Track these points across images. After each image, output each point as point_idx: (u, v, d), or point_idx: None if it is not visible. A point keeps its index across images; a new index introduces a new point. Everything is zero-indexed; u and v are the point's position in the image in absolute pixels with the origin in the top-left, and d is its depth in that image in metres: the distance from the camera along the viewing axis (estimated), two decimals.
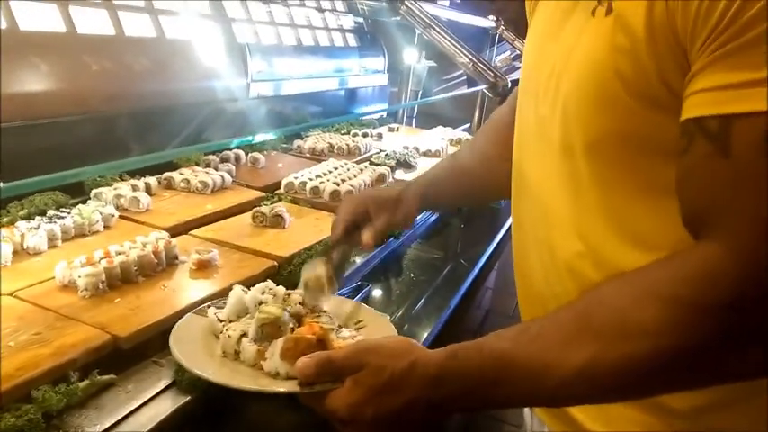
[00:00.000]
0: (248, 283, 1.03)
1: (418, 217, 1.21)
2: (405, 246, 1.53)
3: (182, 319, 0.77)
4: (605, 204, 0.65)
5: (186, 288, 0.98)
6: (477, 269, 1.53)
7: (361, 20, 2.81)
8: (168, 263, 1.04)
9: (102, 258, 0.95)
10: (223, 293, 0.98)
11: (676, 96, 0.55)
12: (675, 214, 0.57)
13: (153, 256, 1.00)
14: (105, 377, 0.76)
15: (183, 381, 0.76)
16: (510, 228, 0.85)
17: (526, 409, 0.90)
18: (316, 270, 0.82)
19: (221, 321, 0.75)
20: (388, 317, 0.83)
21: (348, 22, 2.73)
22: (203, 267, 1.04)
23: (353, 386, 0.58)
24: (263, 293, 0.77)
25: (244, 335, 0.70)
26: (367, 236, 0.92)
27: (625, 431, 0.67)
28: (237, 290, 0.77)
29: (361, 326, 0.77)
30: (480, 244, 1.67)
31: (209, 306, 0.80)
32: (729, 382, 0.55)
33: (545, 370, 0.55)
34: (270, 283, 0.79)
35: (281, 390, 0.62)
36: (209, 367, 0.67)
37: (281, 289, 0.79)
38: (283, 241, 1.23)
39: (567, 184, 0.68)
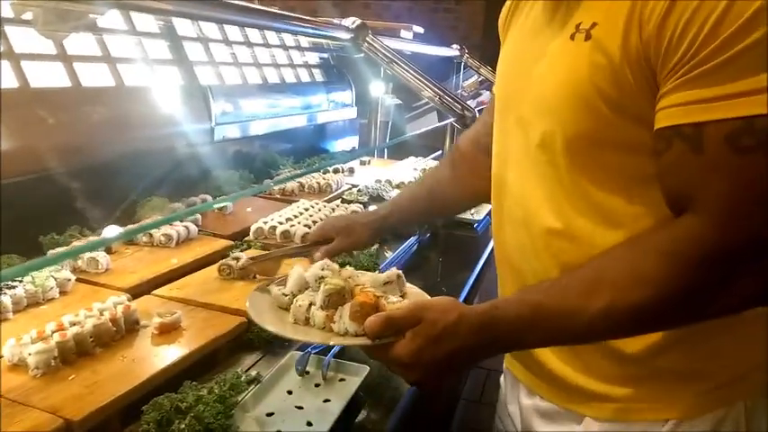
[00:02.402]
0: (216, 343, 0.99)
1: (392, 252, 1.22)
2: None
3: (250, 296, 0.88)
4: (580, 189, 0.78)
5: (148, 357, 0.92)
6: (462, 295, 1.50)
7: (326, 54, 2.80)
8: (128, 329, 0.98)
9: (54, 331, 0.89)
10: (189, 358, 0.94)
11: (642, 107, 0.69)
12: (639, 197, 0.74)
13: (111, 324, 0.94)
14: None
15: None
16: (491, 252, 0.99)
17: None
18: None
19: (286, 295, 0.86)
20: (420, 289, 0.92)
21: (313, 57, 2.72)
22: (166, 331, 0.98)
23: (413, 337, 0.70)
24: (322, 270, 0.88)
25: (311, 304, 0.81)
26: (317, 254, 1.13)
27: (592, 375, 0.83)
28: (299, 268, 0.89)
29: (404, 292, 0.88)
30: (461, 273, 1.64)
31: (269, 284, 0.91)
32: (723, 315, 0.68)
33: (573, 314, 0.69)
34: (327, 260, 0.91)
35: (358, 343, 0.75)
36: (293, 331, 0.80)
37: (336, 265, 0.90)
38: None
39: (545, 173, 0.81)
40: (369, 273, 0.90)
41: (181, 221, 1.47)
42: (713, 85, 0.62)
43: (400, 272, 0.88)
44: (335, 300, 0.79)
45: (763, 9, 0.59)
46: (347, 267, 0.91)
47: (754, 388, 0.82)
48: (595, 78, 0.71)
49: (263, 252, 1.36)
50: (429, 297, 0.85)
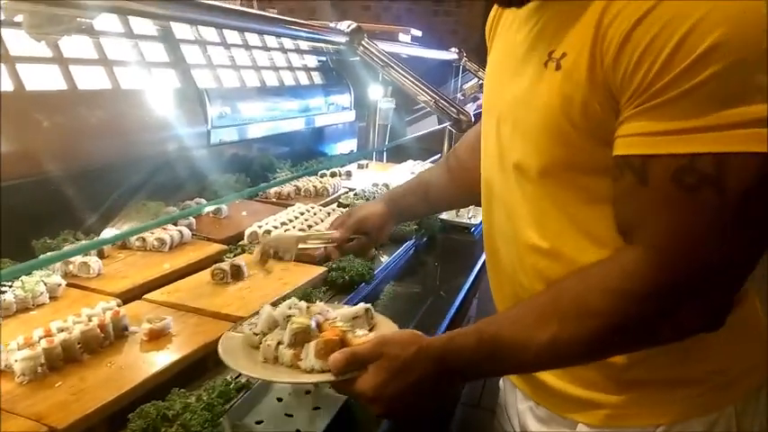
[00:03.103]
0: (206, 350, 0.98)
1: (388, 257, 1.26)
2: (382, 284, 1.49)
3: (223, 336, 0.89)
4: (560, 209, 0.79)
5: (135, 363, 0.91)
6: (460, 298, 1.49)
7: (324, 57, 2.80)
8: (117, 335, 0.97)
9: (41, 338, 0.88)
10: (178, 365, 0.93)
11: (613, 134, 0.69)
12: (612, 217, 0.74)
13: (99, 330, 0.93)
14: None
15: None
16: (485, 260, 1.00)
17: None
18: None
19: (256, 335, 0.88)
20: (390, 320, 0.95)
21: (312, 60, 2.71)
22: (156, 337, 0.97)
23: (376, 371, 0.73)
24: (290, 308, 0.90)
25: (279, 343, 0.83)
26: (352, 244, 1.20)
27: (579, 383, 0.85)
28: (268, 308, 0.91)
29: (372, 324, 0.91)
30: (458, 277, 1.64)
31: (241, 323, 0.92)
32: (664, 344, 0.72)
33: (523, 346, 0.72)
34: (294, 299, 0.93)
35: (323, 380, 0.77)
36: (261, 371, 0.81)
37: (304, 304, 0.92)
38: (245, 299, 1.16)
39: (526, 192, 0.82)
40: (339, 307, 0.95)
41: (175, 225, 1.46)
42: (662, 119, 0.63)
43: (369, 306, 0.92)
44: (302, 338, 0.82)
45: (718, 46, 0.59)
46: (317, 303, 0.94)
47: (743, 392, 0.82)
48: (567, 109, 0.72)
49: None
50: (397, 328, 0.90)
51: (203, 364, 0.98)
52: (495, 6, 0.95)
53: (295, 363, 0.81)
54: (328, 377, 0.76)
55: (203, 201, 1.70)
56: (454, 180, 1.26)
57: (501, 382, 1.10)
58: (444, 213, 1.97)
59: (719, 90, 0.60)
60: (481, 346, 0.73)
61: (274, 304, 0.93)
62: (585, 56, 0.69)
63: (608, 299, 0.68)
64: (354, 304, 0.96)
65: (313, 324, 0.84)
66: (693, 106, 0.61)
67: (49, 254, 1.24)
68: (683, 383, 0.80)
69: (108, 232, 1.37)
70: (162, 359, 0.93)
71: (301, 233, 1.35)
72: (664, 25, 0.61)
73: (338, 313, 0.90)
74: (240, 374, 0.89)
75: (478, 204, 1.02)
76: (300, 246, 1.21)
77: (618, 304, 0.68)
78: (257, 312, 0.93)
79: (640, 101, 0.64)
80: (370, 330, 0.89)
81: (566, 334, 0.70)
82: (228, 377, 0.94)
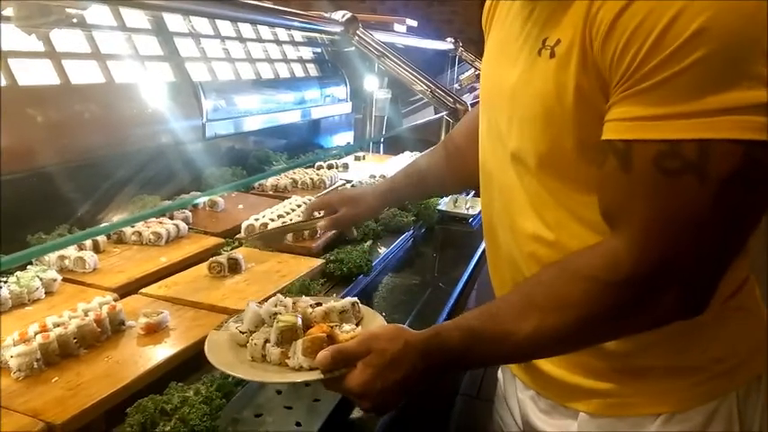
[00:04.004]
0: (203, 343, 0.97)
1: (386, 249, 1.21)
2: (380, 275, 1.48)
3: (208, 336, 0.88)
4: (559, 197, 0.79)
5: (133, 357, 0.91)
6: (458, 288, 1.49)
7: (320, 49, 2.78)
8: (114, 330, 0.96)
9: (37, 333, 0.87)
10: (175, 359, 0.92)
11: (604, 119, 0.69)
12: None
13: (95, 324, 0.92)
14: None
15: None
16: (485, 249, 1.00)
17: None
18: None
19: (243, 333, 0.87)
20: (377, 312, 0.95)
21: (307, 52, 2.69)
22: (152, 331, 0.96)
23: (364, 368, 0.73)
24: (275, 306, 0.89)
25: (266, 341, 0.83)
26: (322, 224, 1.26)
27: (579, 372, 0.84)
28: (253, 306, 0.90)
29: (359, 318, 0.92)
30: (457, 268, 1.63)
31: (227, 321, 0.91)
32: (646, 330, 0.72)
33: (504, 338, 0.73)
34: (279, 296, 0.93)
35: (311, 378, 0.77)
36: (248, 372, 0.80)
37: (289, 300, 0.92)
38: (242, 292, 1.16)
39: (524, 181, 0.82)
40: (326, 301, 0.93)
41: (171, 218, 1.45)
42: (647, 104, 0.62)
43: (355, 299, 0.92)
44: (288, 336, 0.81)
45: (703, 30, 0.58)
46: (303, 297, 0.93)
47: (744, 380, 0.82)
48: (561, 96, 0.71)
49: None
50: (384, 321, 0.90)
51: (201, 357, 0.97)
52: None
53: (283, 361, 0.80)
54: (317, 375, 0.76)
55: (198, 194, 1.68)
56: (451, 165, 1.26)
57: (500, 372, 1.10)
58: (442, 204, 1.97)
59: (704, 75, 0.59)
60: (465, 340, 0.74)
61: (260, 302, 0.93)
62: (577, 42, 0.69)
63: (586, 288, 0.69)
64: (354, 296, 0.96)
65: (299, 321, 0.83)
66: (678, 91, 0.60)
67: (43, 245, 1.22)
68: (685, 371, 0.80)
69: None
70: (159, 353, 0.92)
71: (283, 227, 1.43)
72: (650, 9, 0.61)
73: (325, 308, 0.89)
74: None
75: (474, 188, 1.03)
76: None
77: (596, 294, 0.68)
78: (240, 315, 0.92)
79: (627, 85, 0.64)
80: (357, 324, 0.89)
81: (546, 324, 0.71)
82: None
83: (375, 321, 0.92)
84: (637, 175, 0.64)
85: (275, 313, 0.87)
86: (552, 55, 0.72)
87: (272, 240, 1.34)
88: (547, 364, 0.87)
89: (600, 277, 0.68)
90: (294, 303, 0.91)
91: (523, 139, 0.79)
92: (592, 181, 0.74)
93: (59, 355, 0.87)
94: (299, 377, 0.78)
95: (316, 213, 1.38)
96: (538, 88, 0.74)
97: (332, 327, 0.82)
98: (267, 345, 0.82)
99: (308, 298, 0.94)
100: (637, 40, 0.62)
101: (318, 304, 0.92)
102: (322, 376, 0.75)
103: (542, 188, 0.80)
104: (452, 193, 1.88)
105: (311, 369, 0.77)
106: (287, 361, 0.80)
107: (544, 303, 0.72)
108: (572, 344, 0.76)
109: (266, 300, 1.11)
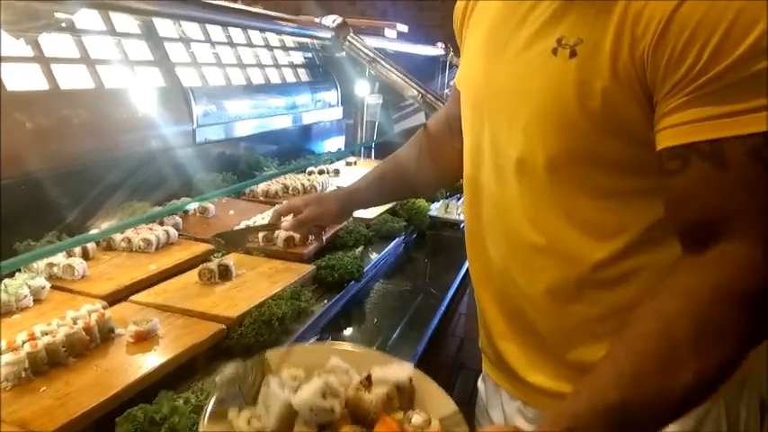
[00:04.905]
0: (193, 351, 0.97)
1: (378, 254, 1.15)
2: (372, 281, 1.49)
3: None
4: (563, 204, 0.77)
5: (122, 366, 0.90)
6: (450, 294, 1.49)
7: (311, 54, 2.78)
8: (103, 338, 0.95)
9: (25, 342, 0.86)
10: (165, 367, 0.91)
11: (634, 125, 0.67)
12: (625, 209, 0.74)
13: (84, 332, 0.91)
14: None
15: None
16: (468, 263, 0.96)
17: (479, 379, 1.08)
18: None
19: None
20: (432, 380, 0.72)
21: (298, 57, 2.69)
22: (142, 339, 0.95)
23: None
24: (323, 396, 0.60)
25: None
26: (285, 224, 1.25)
27: (566, 383, 0.81)
28: (277, 391, 0.59)
29: (411, 391, 0.69)
30: (448, 273, 1.63)
31: (216, 398, 0.64)
32: None
33: (662, 399, 0.60)
34: (330, 379, 0.63)
35: None
36: None
37: (333, 379, 0.64)
38: (233, 299, 1.15)
39: (525, 187, 0.79)
40: (373, 366, 0.68)
41: (161, 225, 1.44)
42: (728, 102, 0.60)
43: (413, 369, 0.69)
44: None
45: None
46: (341, 365, 0.70)
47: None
48: (582, 97, 0.69)
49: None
50: (438, 387, 0.71)
51: (191, 365, 0.97)
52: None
53: None
54: None
55: (188, 200, 1.67)
56: (428, 158, 1.21)
57: (480, 383, 1.08)
58: (434, 210, 1.97)
59: None
60: (611, 421, 0.58)
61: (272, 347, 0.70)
62: (608, 43, 0.66)
63: (737, 306, 0.61)
64: (346, 302, 0.90)
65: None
66: (759, 86, 0.59)
67: (31, 252, 1.21)
68: None
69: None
70: (149, 361, 0.91)
71: (247, 228, 1.45)
72: (709, 6, 0.60)
73: (387, 391, 0.65)
74: None
75: (453, 182, 0.99)
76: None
77: (748, 308, 0.61)
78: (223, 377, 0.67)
79: (695, 86, 0.61)
80: (410, 401, 0.68)
81: (710, 362, 0.60)
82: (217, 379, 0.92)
83: (429, 389, 0.70)
84: (737, 172, 0.61)
85: (323, 410, 0.59)
86: (573, 54, 0.69)
87: (235, 241, 1.30)
88: (534, 375, 0.87)
89: (748, 289, 0.61)
90: (350, 387, 0.66)
91: (530, 144, 0.76)
92: (600, 187, 0.74)
93: (48, 364, 0.86)
94: None
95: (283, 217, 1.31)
96: (552, 88, 0.72)
97: (399, 421, 0.63)
98: None
99: (347, 366, 0.69)
100: (697, 41, 0.60)
101: (368, 379, 0.67)
102: None
103: (543, 194, 0.78)
104: (430, 190, 1.84)
105: None
106: None
107: (696, 341, 0.60)
108: (730, 373, 0.64)
109: (259, 304, 1.11)
